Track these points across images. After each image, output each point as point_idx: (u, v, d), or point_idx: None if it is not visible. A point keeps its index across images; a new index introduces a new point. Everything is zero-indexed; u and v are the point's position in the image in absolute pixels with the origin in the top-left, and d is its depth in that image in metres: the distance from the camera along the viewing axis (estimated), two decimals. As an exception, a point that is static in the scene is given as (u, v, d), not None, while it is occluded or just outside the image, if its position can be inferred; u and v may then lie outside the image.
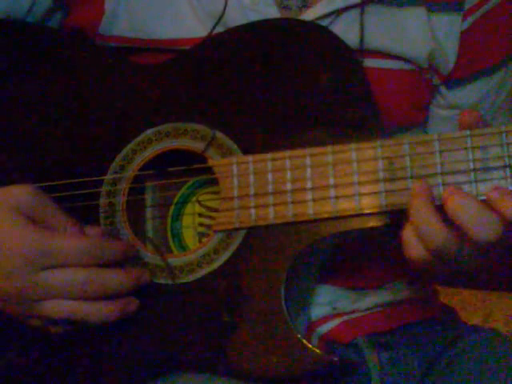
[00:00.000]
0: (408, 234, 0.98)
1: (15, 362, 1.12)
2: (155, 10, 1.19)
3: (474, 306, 2.34)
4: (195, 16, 1.18)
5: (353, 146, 1.03)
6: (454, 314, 1.36)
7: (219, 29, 1.16)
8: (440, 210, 0.97)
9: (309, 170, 1.05)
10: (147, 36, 1.19)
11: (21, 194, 1.03)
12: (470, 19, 1.20)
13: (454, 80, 1.24)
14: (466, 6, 1.20)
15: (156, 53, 1.18)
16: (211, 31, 1.15)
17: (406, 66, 1.21)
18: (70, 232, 1.04)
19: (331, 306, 1.22)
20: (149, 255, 1.11)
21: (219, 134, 1.10)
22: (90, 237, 1.04)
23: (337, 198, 1.04)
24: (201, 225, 1.19)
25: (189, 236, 1.19)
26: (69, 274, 1.01)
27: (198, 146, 1.11)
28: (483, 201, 0.96)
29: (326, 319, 1.22)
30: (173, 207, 1.20)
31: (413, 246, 0.98)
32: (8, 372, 1.12)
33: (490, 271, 1.06)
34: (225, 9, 1.16)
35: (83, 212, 1.12)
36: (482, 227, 0.94)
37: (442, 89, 1.25)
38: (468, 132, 0.99)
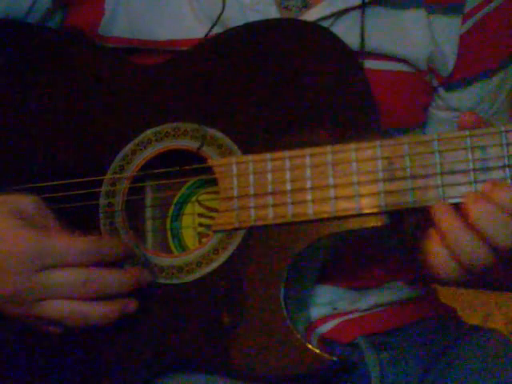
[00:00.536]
0: (444, 257, 0.98)
1: (14, 362, 1.12)
2: (155, 11, 1.19)
3: (473, 306, 2.34)
4: (195, 17, 1.18)
5: (352, 145, 1.03)
6: (454, 313, 1.36)
7: (219, 29, 1.16)
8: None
9: (308, 170, 1.05)
10: (146, 37, 1.19)
11: (23, 200, 1.04)
12: (470, 22, 1.20)
13: (453, 82, 1.24)
14: (466, 9, 1.20)
15: (155, 54, 1.19)
16: (209, 31, 1.15)
17: (406, 68, 1.21)
18: (69, 233, 1.04)
19: (331, 306, 1.22)
20: (148, 255, 1.11)
21: (219, 134, 1.10)
22: (89, 237, 1.04)
23: (336, 198, 1.04)
24: (200, 225, 1.19)
25: (188, 236, 1.19)
26: (68, 274, 1.01)
27: (196, 145, 1.11)
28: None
29: (325, 319, 1.22)
30: (172, 207, 1.20)
31: (451, 268, 0.98)
32: (7, 372, 1.12)
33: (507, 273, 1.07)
34: (223, 8, 1.16)
35: (83, 212, 1.12)
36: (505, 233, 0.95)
37: (441, 91, 1.25)
38: (467, 132, 0.99)
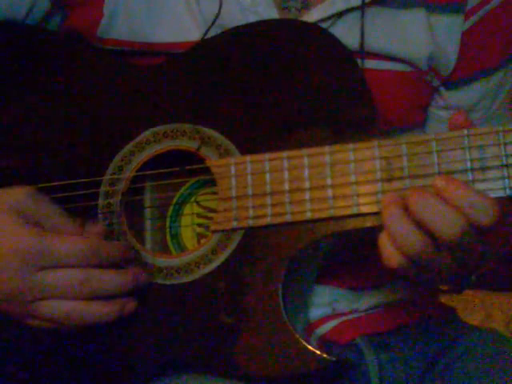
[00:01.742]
0: (385, 243, 0.97)
1: (13, 363, 1.12)
2: (153, 13, 1.19)
3: (473, 306, 2.34)
4: (193, 20, 1.18)
5: (350, 146, 1.03)
6: (454, 313, 1.36)
7: (218, 31, 1.16)
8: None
9: (306, 171, 1.05)
10: (145, 40, 1.19)
11: (21, 195, 1.03)
12: (472, 19, 1.20)
13: (453, 81, 1.24)
14: (468, 6, 1.20)
15: (154, 56, 1.19)
16: (206, 32, 1.15)
17: (406, 68, 1.21)
18: (68, 233, 1.04)
19: (330, 307, 1.22)
20: (147, 256, 1.11)
21: (217, 135, 1.10)
22: (89, 238, 1.04)
23: (334, 198, 1.04)
24: (199, 225, 1.19)
25: (187, 236, 1.19)
26: (67, 274, 1.01)
27: (195, 146, 1.11)
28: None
29: (325, 320, 1.22)
30: (171, 208, 1.20)
31: (391, 254, 0.97)
32: (6, 372, 1.12)
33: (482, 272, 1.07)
34: (219, 11, 1.16)
35: (82, 213, 1.12)
36: (442, 222, 0.94)
37: (441, 90, 1.25)
38: (465, 132, 0.99)
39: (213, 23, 1.15)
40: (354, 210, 1.03)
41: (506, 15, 1.23)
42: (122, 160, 1.13)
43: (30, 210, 1.02)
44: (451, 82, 1.24)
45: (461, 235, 0.94)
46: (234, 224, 1.07)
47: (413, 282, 1.03)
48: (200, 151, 1.10)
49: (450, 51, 1.21)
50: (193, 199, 1.19)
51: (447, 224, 0.94)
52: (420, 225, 0.95)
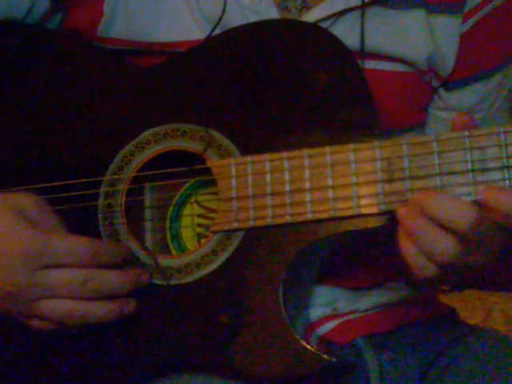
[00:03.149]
0: (413, 255, 0.97)
1: (12, 362, 1.12)
2: (153, 12, 1.19)
3: (473, 306, 2.34)
4: (193, 18, 1.18)
5: (351, 146, 1.03)
6: (454, 313, 1.36)
7: (217, 31, 1.16)
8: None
9: (307, 171, 1.05)
10: (145, 39, 1.19)
11: (26, 200, 1.04)
12: (471, 21, 1.20)
13: (452, 82, 1.24)
14: (466, 9, 1.20)
15: (154, 55, 1.18)
16: (210, 33, 1.15)
17: (406, 69, 1.21)
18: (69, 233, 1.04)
19: (330, 307, 1.22)
20: (147, 256, 1.11)
21: (218, 135, 1.10)
22: (89, 238, 1.04)
23: (335, 198, 1.04)
24: (200, 226, 1.19)
25: (188, 237, 1.19)
26: (67, 273, 1.01)
27: (196, 146, 1.11)
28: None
29: (325, 320, 1.22)
30: (172, 208, 1.20)
31: (424, 266, 0.97)
32: (6, 372, 1.12)
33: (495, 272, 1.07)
34: (224, 11, 1.16)
35: (82, 213, 1.12)
36: (460, 216, 0.94)
37: (441, 91, 1.25)
38: (466, 133, 0.99)
39: (218, 23, 1.15)
40: (355, 211, 1.03)
41: (504, 17, 1.23)
42: (123, 160, 1.13)
43: (32, 211, 1.03)
44: (450, 83, 1.24)
45: (477, 225, 0.94)
46: (235, 225, 1.07)
47: (433, 283, 1.03)
48: (205, 153, 1.10)
49: (448, 52, 1.21)
50: (193, 200, 1.19)
51: (462, 215, 0.94)
52: (442, 224, 0.95)
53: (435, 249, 0.95)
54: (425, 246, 0.96)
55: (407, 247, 0.97)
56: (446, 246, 0.95)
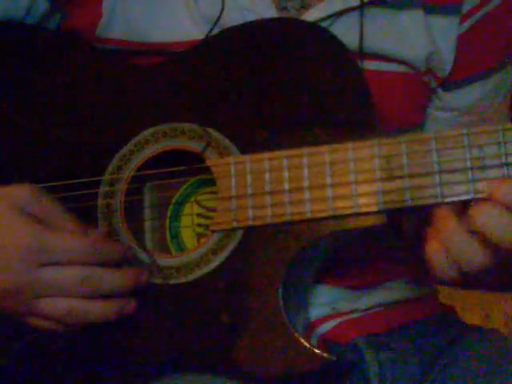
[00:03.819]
0: (438, 256, 0.97)
1: (13, 361, 1.12)
2: (151, 13, 1.19)
3: (473, 306, 2.34)
4: (191, 19, 1.18)
5: (350, 145, 1.03)
6: (454, 313, 1.36)
7: (215, 31, 1.16)
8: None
9: (306, 170, 1.05)
10: (143, 39, 1.19)
11: (23, 192, 1.03)
12: (469, 22, 1.21)
13: (451, 82, 1.24)
14: (465, 9, 1.20)
15: (152, 56, 1.19)
16: (209, 32, 1.15)
17: (404, 69, 1.21)
18: (70, 230, 1.04)
19: (330, 306, 1.22)
20: (147, 256, 1.11)
21: (217, 134, 1.10)
22: (89, 236, 1.04)
23: (334, 197, 1.04)
24: (199, 225, 1.19)
25: (187, 236, 1.19)
26: (67, 271, 1.01)
27: (195, 145, 1.11)
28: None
29: (325, 319, 1.22)
30: (171, 207, 1.20)
31: (448, 268, 0.97)
32: (6, 371, 1.12)
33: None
34: (222, 11, 1.16)
35: (81, 213, 1.12)
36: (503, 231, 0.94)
37: (439, 91, 1.25)
38: (465, 131, 0.99)
39: (215, 23, 1.15)
40: (354, 209, 1.03)
41: (503, 18, 1.23)
42: (122, 160, 1.13)
43: (32, 207, 1.02)
44: (448, 84, 1.24)
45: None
46: (234, 224, 1.07)
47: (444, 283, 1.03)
48: (204, 152, 1.10)
49: (447, 52, 1.21)
50: (192, 199, 1.19)
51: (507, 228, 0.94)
52: (477, 233, 0.95)
53: (467, 255, 0.95)
54: (458, 253, 0.96)
55: (435, 248, 0.97)
56: (476, 253, 0.95)
